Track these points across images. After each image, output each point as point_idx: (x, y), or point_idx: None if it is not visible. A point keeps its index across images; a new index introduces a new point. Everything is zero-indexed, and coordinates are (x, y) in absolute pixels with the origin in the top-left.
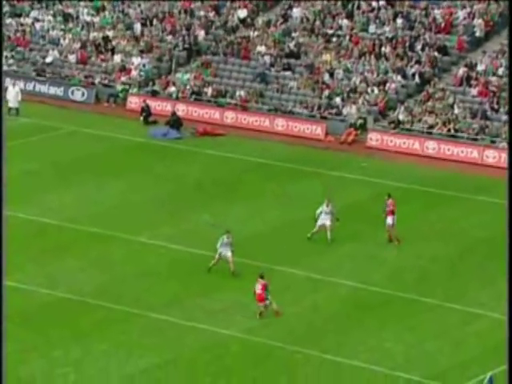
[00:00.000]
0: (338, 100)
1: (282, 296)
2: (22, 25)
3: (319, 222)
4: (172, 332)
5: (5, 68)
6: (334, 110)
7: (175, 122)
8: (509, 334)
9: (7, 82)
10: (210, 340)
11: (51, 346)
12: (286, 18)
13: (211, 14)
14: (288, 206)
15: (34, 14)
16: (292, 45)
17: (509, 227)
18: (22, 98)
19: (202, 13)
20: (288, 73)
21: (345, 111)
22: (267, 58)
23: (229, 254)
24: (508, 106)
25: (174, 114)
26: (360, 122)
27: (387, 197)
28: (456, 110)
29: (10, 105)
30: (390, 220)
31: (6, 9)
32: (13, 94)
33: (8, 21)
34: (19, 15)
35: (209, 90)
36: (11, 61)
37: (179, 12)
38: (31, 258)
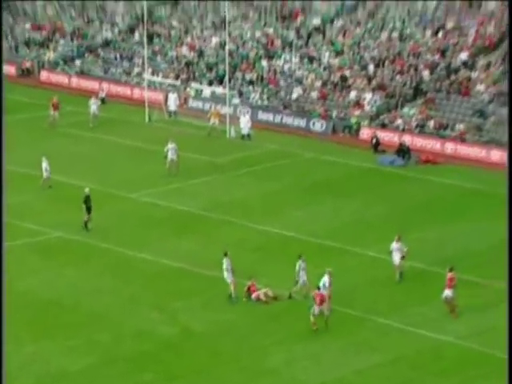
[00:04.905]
0: None
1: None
2: (273, 66)
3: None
4: (395, 335)
5: (259, 103)
6: None
7: (403, 151)
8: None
9: (240, 111)
10: (428, 344)
11: (293, 341)
12: (505, 59)
13: (436, 57)
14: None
15: (284, 56)
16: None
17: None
18: (267, 127)
19: (428, 56)
20: (505, 109)
21: None
22: (486, 96)
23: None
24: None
25: (402, 144)
26: None
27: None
28: None
29: (243, 132)
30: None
31: (261, 52)
32: (244, 122)
33: (263, 63)
34: (272, 57)
35: (431, 123)
36: (264, 96)
37: (408, 55)
38: (277, 264)
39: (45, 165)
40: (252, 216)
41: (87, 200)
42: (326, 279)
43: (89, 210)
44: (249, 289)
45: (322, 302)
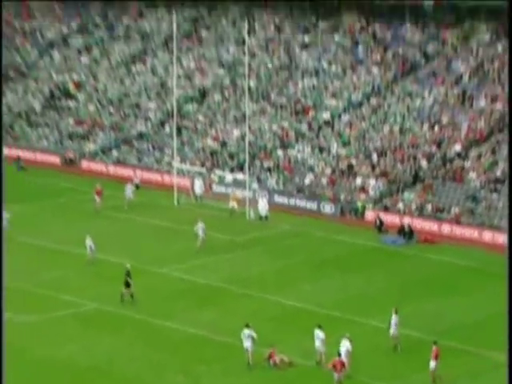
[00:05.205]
0: None
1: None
2: (287, 155)
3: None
4: None
5: (275, 188)
6: None
7: (404, 232)
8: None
9: (259, 195)
10: None
11: None
12: (494, 151)
13: (433, 148)
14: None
15: (297, 147)
16: (499, 172)
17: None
18: (283, 209)
19: (425, 147)
20: (495, 194)
21: None
22: (478, 183)
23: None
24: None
25: (404, 225)
26: None
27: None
28: None
29: (261, 214)
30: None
31: (277, 142)
32: (262, 205)
33: (279, 152)
34: (287, 147)
35: (429, 207)
36: (280, 182)
37: (407, 146)
38: (290, 333)
39: (89, 243)
40: (268, 289)
41: (128, 274)
42: (347, 345)
43: (128, 283)
44: (270, 355)
45: (341, 368)
